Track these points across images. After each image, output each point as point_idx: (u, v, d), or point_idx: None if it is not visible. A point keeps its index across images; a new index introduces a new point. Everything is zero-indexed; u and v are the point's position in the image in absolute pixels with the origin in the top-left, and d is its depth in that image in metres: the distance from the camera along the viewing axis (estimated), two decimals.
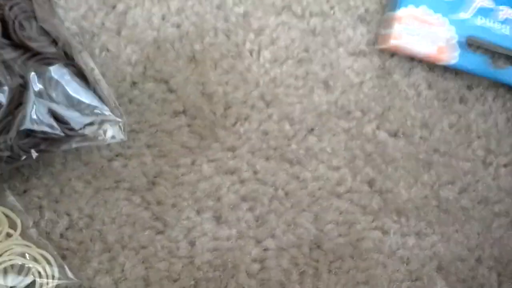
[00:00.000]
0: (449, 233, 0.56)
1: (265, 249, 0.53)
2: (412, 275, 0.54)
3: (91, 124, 0.47)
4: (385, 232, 0.55)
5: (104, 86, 0.48)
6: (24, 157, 0.45)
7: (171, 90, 0.55)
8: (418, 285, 0.53)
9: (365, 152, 0.57)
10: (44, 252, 0.48)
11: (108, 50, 0.53)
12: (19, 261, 0.47)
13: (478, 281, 0.55)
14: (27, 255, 0.48)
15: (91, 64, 0.49)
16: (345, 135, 0.57)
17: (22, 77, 0.44)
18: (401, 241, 0.54)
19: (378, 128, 0.57)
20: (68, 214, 0.52)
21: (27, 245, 0.48)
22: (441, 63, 0.56)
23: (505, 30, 0.57)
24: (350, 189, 0.56)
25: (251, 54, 0.55)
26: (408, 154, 0.57)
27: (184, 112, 0.55)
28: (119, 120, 0.48)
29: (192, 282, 0.52)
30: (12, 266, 0.48)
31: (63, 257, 0.50)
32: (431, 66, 0.58)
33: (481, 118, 0.59)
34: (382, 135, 0.58)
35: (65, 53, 0.47)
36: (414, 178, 0.57)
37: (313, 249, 0.54)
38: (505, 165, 0.58)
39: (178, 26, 0.54)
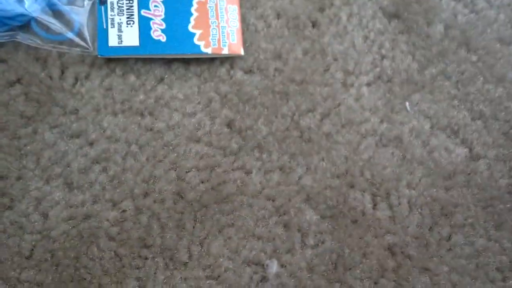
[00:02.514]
0: (315, 163, 0.51)
1: (123, 211, 0.47)
2: (279, 210, 0.49)
3: None
4: (248, 172, 0.49)
5: None
6: None
7: (1, 60, 0.50)
8: (286, 219, 0.49)
9: (220, 94, 0.51)
10: None
11: None
12: None
13: (350, 205, 0.50)
14: None
15: None
16: (197, 79, 0.51)
17: None
18: (265, 179, 0.49)
19: (231, 67, 0.52)
20: None
21: None
22: None
23: None
24: (209, 132, 0.50)
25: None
26: (265, 88, 0.52)
27: (18, 81, 0.49)
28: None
29: (48, 255, 0.46)
30: None
31: None
32: None
33: (336, 40, 0.54)
34: (237, 73, 0.52)
35: None
36: (273, 112, 0.51)
37: (177, 201, 0.48)
38: (367, 84, 0.54)
39: None
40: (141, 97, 0.52)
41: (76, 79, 0.51)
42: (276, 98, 0.53)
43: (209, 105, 0.52)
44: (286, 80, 0.54)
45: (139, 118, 0.51)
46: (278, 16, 0.54)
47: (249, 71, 0.54)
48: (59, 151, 0.49)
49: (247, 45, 0.54)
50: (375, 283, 0.50)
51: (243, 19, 0.54)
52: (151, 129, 0.51)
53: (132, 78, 0.52)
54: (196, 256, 0.49)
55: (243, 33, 0.54)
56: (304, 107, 0.53)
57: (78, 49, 0.49)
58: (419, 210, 0.52)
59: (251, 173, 0.51)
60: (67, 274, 0.47)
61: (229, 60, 0.53)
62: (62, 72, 0.51)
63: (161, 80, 0.52)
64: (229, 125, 0.52)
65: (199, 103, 0.52)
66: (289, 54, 0.54)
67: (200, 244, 0.49)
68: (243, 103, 0.53)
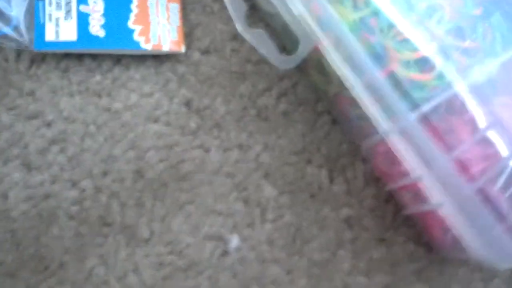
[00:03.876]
0: (272, 140, 0.50)
1: (83, 190, 0.46)
2: (238, 186, 0.49)
3: None
4: (207, 150, 0.49)
5: None
6: None
7: None
8: (245, 195, 0.49)
9: (177, 75, 0.51)
10: None
11: None
12: None
13: (307, 180, 0.50)
14: None
15: None
16: (154, 60, 0.51)
17: None
18: (224, 157, 0.49)
19: (189, 47, 0.51)
20: None
21: None
22: None
23: None
24: (167, 112, 0.50)
25: None
26: (221, 68, 0.52)
27: None
28: None
29: (8, 235, 0.45)
30: None
31: None
32: None
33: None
34: (195, 54, 0.52)
35: None
36: (230, 92, 0.51)
37: (136, 180, 0.48)
38: None
39: None
40: (98, 78, 0.51)
41: (32, 62, 0.50)
42: (234, 77, 0.53)
43: (167, 85, 0.52)
44: (243, 60, 0.53)
45: (97, 99, 0.51)
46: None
47: (206, 52, 0.53)
48: (16, 133, 0.49)
49: (204, 26, 0.54)
50: (333, 254, 0.50)
51: (200, 1, 0.54)
52: (108, 110, 0.51)
53: (88, 60, 0.51)
54: (157, 233, 0.48)
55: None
56: (261, 86, 0.53)
57: (14, 43, 0.48)
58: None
59: (210, 151, 0.51)
60: (28, 254, 0.47)
61: (186, 40, 0.53)
62: (18, 55, 0.50)
63: (118, 61, 0.52)
64: (187, 104, 0.52)
65: (156, 83, 0.52)
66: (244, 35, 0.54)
67: (160, 221, 0.49)
68: (200, 83, 0.53)
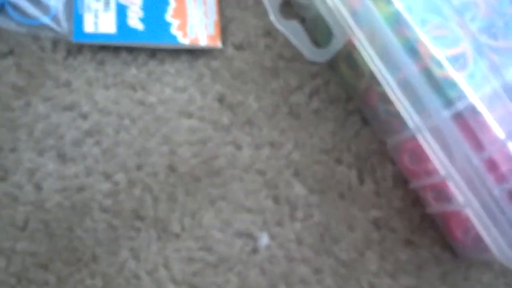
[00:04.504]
0: (304, 138, 0.50)
1: (117, 183, 0.47)
2: (269, 184, 0.49)
3: None
4: (239, 146, 0.49)
5: None
6: None
7: None
8: (275, 192, 0.49)
9: (211, 69, 0.51)
10: None
11: None
12: None
13: (337, 180, 0.50)
14: None
15: None
16: (188, 55, 0.50)
17: None
18: (256, 154, 0.49)
19: (223, 43, 0.51)
20: None
21: None
22: None
23: None
24: (200, 107, 0.49)
25: None
26: (254, 64, 0.51)
27: (10, 52, 0.47)
28: None
29: (42, 226, 0.45)
30: None
31: None
32: None
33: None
34: (229, 49, 0.51)
35: None
36: (263, 88, 0.51)
37: (169, 174, 0.48)
38: None
39: None
40: (133, 71, 0.51)
41: (68, 52, 0.50)
42: (267, 74, 0.53)
43: (200, 80, 0.52)
44: (276, 56, 0.53)
45: (131, 92, 0.51)
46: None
47: (239, 47, 0.53)
48: (52, 124, 0.49)
49: (238, 21, 0.53)
50: (361, 255, 0.50)
51: None
52: (143, 103, 0.50)
53: (124, 53, 0.51)
54: (188, 228, 0.48)
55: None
56: (294, 84, 0.53)
57: (53, 33, 0.48)
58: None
59: (242, 147, 0.51)
60: (61, 245, 0.47)
61: (221, 35, 0.52)
62: (54, 45, 0.50)
63: (153, 55, 0.52)
64: (220, 100, 0.52)
65: (190, 78, 0.51)
66: (278, 31, 0.53)
67: (192, 216, 0.49)
68: (233, 78, 0.52)
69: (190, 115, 0.51)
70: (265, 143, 0.52)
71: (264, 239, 0.49)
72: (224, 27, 0.53)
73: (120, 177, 0.48)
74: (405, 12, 0.47)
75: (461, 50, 0.46)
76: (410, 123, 0.43)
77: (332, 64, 0.52)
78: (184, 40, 0.50)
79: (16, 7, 0.47)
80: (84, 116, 0.49)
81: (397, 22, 0.47)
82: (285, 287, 0.49)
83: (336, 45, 0.45)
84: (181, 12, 0.50)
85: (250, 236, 0.49)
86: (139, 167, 0.49)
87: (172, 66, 0.51)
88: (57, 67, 0.49)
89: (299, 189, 0.51)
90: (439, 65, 0.46)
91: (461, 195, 0.42)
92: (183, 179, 0.49)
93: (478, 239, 0.42)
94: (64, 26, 0.48)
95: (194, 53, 0.52)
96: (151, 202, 0.48)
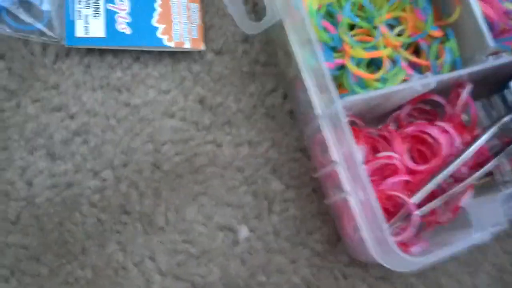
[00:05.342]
0: (279, 137, 0.53)
1: (104, 179, 0.49)
2: (248, 180, 0.52)
3: None
4: (219, 145, 0.52)
5: None
6: None
7: None
8: (254, 188, 0.52)
9: (193, 73, 0.53)
10: None
11: None
12: None
13: (310, 175, 0.52)
14: None
15: None
16: (170, 59, 0.53)
17: None
18: (235, 152, 0.52)
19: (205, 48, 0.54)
20: None
21: None
22: None
23: None
24: (183, 108, 0.52)
25: None
26: (233, 68, 0.54)
27: (2, 56, 0.49)
28: None
29: (34, 221, 0.47)
30: None
31: None
32: None
33: None
34: (209, 54, 0.54)
35: None
36: (241, 91, 0.54)
37: (154, 171, 0.50)
38: None
39: None
40: (118, 74, 0.53)
41: (57, 56, 0.52)
42: (244, 77, 0.55)
43: (183, 83, 0.54)
44: (252, 61, 0.56)
45: (117, 94, 0.53)
46: (246, 2, 0.57)
47: (219, 52, 0.56)
48: (42, 124, 0.51)
49: (217, 28, 0.56)
50: (334, 246, 0.53)
51: (213, 4, 0.56)
52: (128, 105, 0.53)
53: (109, 56, 0.53)
54: (172, 222, 0.51)
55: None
56: (269, 86, 0.56)
57: (46, 38, 0.50)
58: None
59: (222, 146, 0.53)
60: (52, 238, 0.49)
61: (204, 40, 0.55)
62: (44, 49, 0.52)
63: (137, 59, 0.54)
64: (201, 102, 0.54)
65: (173, 81, 0.54)
66: (255, 38, 0.56)
67: (175, 210, 0.51)
68: (214, 82, 0.55)
69: (172, 116, 0.53)
70: (243, 142, 0.54)
71: (243, 232, 0.52)
72: (205, 33, 0.56)
73: (107, 174, 0.51)
74: (337, 8, 0.51)
75: (379, 55, 0.50)
76: (316, 111, 0.47)
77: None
78: (170, 43, 0.53)
79: (11, 14, 0.49)
80: (72, 117, 0.51)
81: (326, 16, 0.51)
82: (263, 277, 0.51)
83: (266, 22, 0.49)
84: (166, 17, 0.53)
85: (230, 229, 0.52)
86: (125, 165, 0.51)
87: (155, 69, 0.54)
88: (46, 70, 0.52)
89: (276, 185, 0.54)
90: (356, 64, 0.51)
91: (346, 184, 0.46)
92: (167, 175, 0.52)
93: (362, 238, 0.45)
94: (57, 32, 0.50)
95: (176, 57, 0.54)
96: (137, 197, 0.51)
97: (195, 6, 0.54)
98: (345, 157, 0.45)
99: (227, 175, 0.52)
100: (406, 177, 0.49)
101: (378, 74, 0.49)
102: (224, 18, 0.56)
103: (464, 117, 0.53)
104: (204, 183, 0.52)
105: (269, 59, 0.55)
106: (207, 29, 0.56)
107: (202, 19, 0.55)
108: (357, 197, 0.44)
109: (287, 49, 0.49)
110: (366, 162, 0.49)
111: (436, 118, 0.54)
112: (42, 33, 0.50)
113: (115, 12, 0.51)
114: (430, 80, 0.47)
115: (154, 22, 0.52)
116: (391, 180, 0.49)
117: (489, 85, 0.54)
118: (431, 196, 0.50)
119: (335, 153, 0.46)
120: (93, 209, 0.49)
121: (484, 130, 0.50)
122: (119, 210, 0.50)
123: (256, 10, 0.56)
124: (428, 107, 0.54)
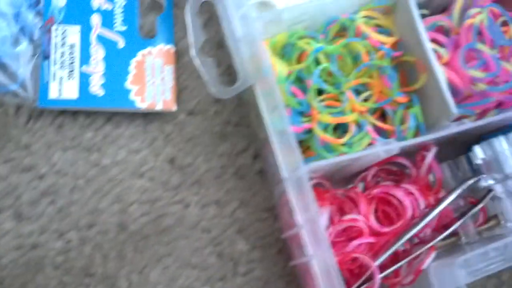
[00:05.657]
0: (247, 197, 0.53)
1: (69, 241, 0.49)
2: (213, 241, 0.52)
3: None
4: (186, 205, 0.52)
5: None
6: None
7: None
8: (219, 249, 0.52)
9: (164, 133, 0.54)
10: None
11: None
12: None
13: (277, 235, 0.54)
14: None
15: None
16: (143, 119, 0.54)
17: None
18: (202, 212, 0.52)
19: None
20: None
21: None
22: None
23: None
24: (152, 168, 0.53)
25: None
26: (205, 129, 0.55)
27: None
28: None
29: None
30: None
31: None
32: None
33: None
34: (181, 115, 0.55)
35: None
36: (211, 151, 0.54)
37: (119, 232, 0.51)
38: None
39: None
40: (90, 134, 0.54)
41: (30, 117, 0.53)
42: (215, 137, 0.56)
43: (153, 143, 0.55)
44: (224, 122, 0.57)
45: (87, 154, 0.54)
46: (219, 64, 0.57)
47: (191, 113, 0.56)
48: (11, 184, 0.52)
49: (191, 89, 0.57)
50: None
51: (188, 66, 0.57)
52: (97, 165, 0.54)
53: (82, 117, 0.54)
54: (135, 284, 0.51)
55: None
56: (240, 146, 0.56)
57: (19, 99, 0.51)
58: None
59: (190, 206, 0.54)
60: None
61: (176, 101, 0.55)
62: (17, 109, 0.53)
63: (109, 119, 0.55)
64: (171, 162, 0.55)
65: (144, 141, 0.55)
66: (226, 100, 0.57)
67: (139, 272, 0.51)
68: (184, 142, 0.56)
69: (141, 176, 0.54)
70: (211, 202, 0.55)
71: None
72: (178, 94, 0.56)
73: (72, 235, 0.51)
74: (307, 75, 0.52)
75: (345, 121, 0.51)
76: (283, 175, 0.47)
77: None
78: (142, 105, 0.53)
79: None
80: (41, 177, 0.52)
81: (295, 83, 0.51)
82: None
83: (238, 88, 0.49)
84: (140, 79, 0.54)
85: None
86: (90, 226, 0.52)
87: (127, 129, 0.55)
88: (19, 130, 0.53)
89: (242, 246, 0.54)
90: (323, 129, 0.51)
91: (310, 246, 0.46)
92: (132, 236, 0.52)
93: None
94: (30, 93, 0.51)
95: (148, 117, 0.55)
96: (100, 259, 0.51)
97: (170, 68, 0.55)
98: (309, 221, 0.45)
99: (193, 236, 0.53)
100: (371, 239, 0.49)
101: (344, 139, 0.49)
102: (198, 80, 0.57)
103: (430, 177, 0.53)
104: (169, 244, 0.52)
105: (241, 119, 0.56)
106: (180, 90, 0.56)
107: (176, 80, 0.56)
108: (320, 261, 0.44)
109: (259, 111, 0.50)
110: (332, 223, 0.49)
111: (403, 179, 0.54)
112: (15, 94, 0.51)
113: (90, 75, 0.52)
114: (393, 147, 0.47)
115: (128, 83, 0.53)
116: (356, 242, 0.49)
117: (455, 147, 0.54)
118: (395, 258, 0.50)
119: (299, 216, 0.46)
120: (56, 272, 0.50)
121: (450, 192, 0.49)
122: (82, 272, 0.50)
123: (229, 73, 0.56)
124: (395, 168, 0.54)
